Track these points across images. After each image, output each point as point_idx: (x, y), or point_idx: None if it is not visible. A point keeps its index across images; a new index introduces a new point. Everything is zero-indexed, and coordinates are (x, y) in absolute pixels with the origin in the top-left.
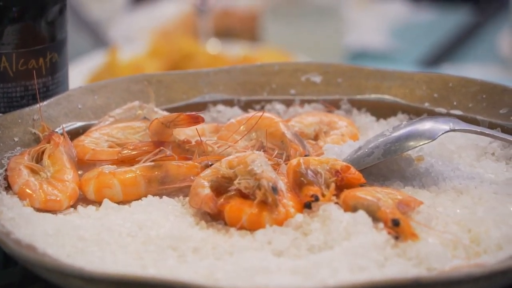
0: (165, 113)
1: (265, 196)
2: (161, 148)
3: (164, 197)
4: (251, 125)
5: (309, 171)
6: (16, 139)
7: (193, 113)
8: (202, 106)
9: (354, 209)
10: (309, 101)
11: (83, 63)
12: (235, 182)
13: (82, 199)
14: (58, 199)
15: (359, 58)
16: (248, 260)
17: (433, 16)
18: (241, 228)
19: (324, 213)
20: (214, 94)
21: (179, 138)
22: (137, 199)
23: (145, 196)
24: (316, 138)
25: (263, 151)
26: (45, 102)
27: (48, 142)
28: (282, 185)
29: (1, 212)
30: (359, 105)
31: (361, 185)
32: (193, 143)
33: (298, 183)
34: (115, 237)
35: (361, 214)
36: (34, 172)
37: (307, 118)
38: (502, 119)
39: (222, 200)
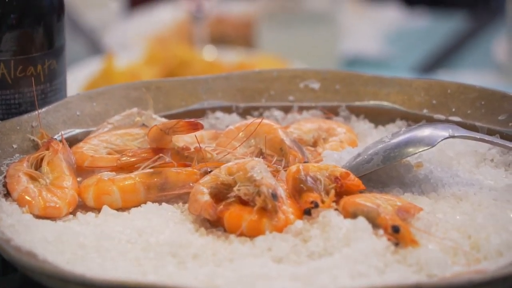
0: (164, 120)
1: (265, 203)
2: (160, 155)
3: (164, 203)
4: (250, 131)
5: (308, 178)
6: (14, 146)
7: (192, 119)
8: (201, 113)
9: (353, 215)
10: (308, 108)
11: (78, 70)
12: (235, 188)
13: (81, 206)
14: (57, 206)
15: (355, 64)
16: (248, 267)
17: (428, 23)
18: (241, 234)
19: (324, 220)
20: (213, 101)
21: (178, 145)
22: (136, 206)
23: (144, 202)
24: (315, 144)
25: (262, 157)
26: (43, 109)
27: (47, 149)
28: (281, 191)
29: (1, 219)
30: (358, 111)
31: (361, 192)
32: (192, 149)
33: (298, 189)
34: (115, 244)
35: (361, 220)
36: (33, 179)
37: (306, 124)
38: (501, 126)
39: (221, 206)
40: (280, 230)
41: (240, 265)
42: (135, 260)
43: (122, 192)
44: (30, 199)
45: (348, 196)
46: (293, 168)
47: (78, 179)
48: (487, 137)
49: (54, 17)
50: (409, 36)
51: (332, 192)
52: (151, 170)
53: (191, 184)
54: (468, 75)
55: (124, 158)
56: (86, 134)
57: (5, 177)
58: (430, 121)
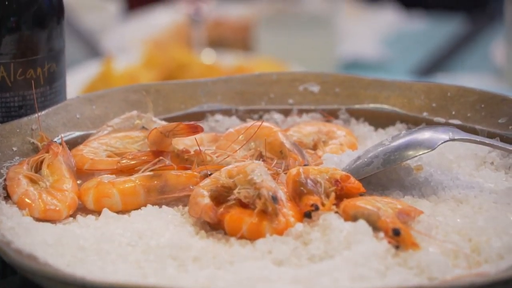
0: (164, 123)
1: (265, 206)
2: (160, 157)
3: (164, 206)
4: (250, 134)
5: (308, 181)
6: (14, 148)
7: (192, 122)
8: (200, 116)
9: (354, 218)
10: (307, 111)
11: (77, 73)
12: (235, 191)
13: (81, 209)
14: (57, 208)
15: (352, 67)
16: (248, 270)
17: (426, 26)
18: (241, 237)
19: (324, 223)
20: (212, 104)
21: (178, 147)
22: (137, 209)
23: (145, 205)
24: (314, 147)
25: (262, 160)
26: (43, 112)
27: (47, 152)
28: (282, 194)
29: (1, 221)
30: (357, 114)
31: (361, 195)
32: (192, 152)
33: (298, 192)
34: (115, 247)
35: (362, 223)
36: (33, 181)
37: (306, 127)
38: (501, 129)
39: (222, 209)
40: (280, 233)
41: (240, 268)
42: (135, 262)
43: (122, 195)
44: (30, 201)
45: (349, 199)
46: (293, 171)
47: (78, 181)
48: (487, 140)
49: (54, 20)
50: (406, 39)
51: (333, 195)
52: (151, 173)
53: (191, 187)
54: (466, 78)
55: (124, 161)
56: (86, 137)
57: (5, 179)
58: (430, 124)
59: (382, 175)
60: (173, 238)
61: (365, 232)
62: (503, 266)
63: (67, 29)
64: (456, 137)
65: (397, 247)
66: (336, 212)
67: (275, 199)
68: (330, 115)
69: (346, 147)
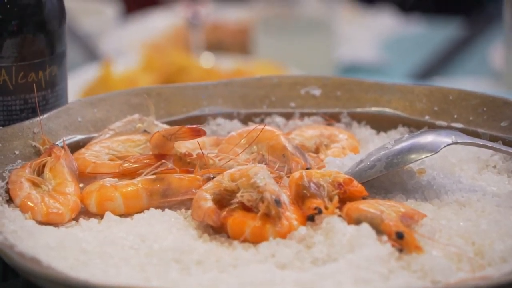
0: (165, 126)
1: (268, 209)
2: (163, 161)
3: (167, 210)
4: (252, 138)
5: (311, 184)
6: (16, 152)
7: (195, 126)
8: (202, 119)
9: (357, 221)
10: (309, 114)
11: (75, 77)
12: (238, 195)
13: (84, 212)
14: (60, 212)
15: (351, 71)
16: (252, 273)
17: (424, 29)
18: (244, 240)
19: (328, 226)
20: (214, 107)
21: (180, 151)
22: (139, 212)
23: (147, 209)
24: (316, 151)
25: (265, 164)
26: (45, 115)
27: (49, 155)
28: (285, 198)
29: (3, 224)
30: (359, 118)
31: (364, 198)
32: (195, 156)
33: (301, 195)
34: (118, 250)
35: (365, 226)
36: (35, 185)
37: (308, 131)
38: (503, 132)
39: (224, 213)
40: (283, 236)
41: (243, 271)
42: (138, 266)
43: (125, 198)
44: (32, 205)
45: (351, 202)
46: (296, 174)
47: (80, 185)
48: (490, 144)
49: (55, 24)
50: (405, 42)
51: (336, 198)
52: (154, 176)
53: (194, 191)
54: (465, 82)
55: (126, 164)
56: (88, 141)
57: (7, 183)
58: (432, 127)
59: (385, 179)
60: (176, 241)
61: (368, 235)
62: (507, 269)
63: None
64: (459, 141)
65: (400, 251)
66: (339, 216)
67: (278, 202)
68: (332, 118)
69: (348, 150)
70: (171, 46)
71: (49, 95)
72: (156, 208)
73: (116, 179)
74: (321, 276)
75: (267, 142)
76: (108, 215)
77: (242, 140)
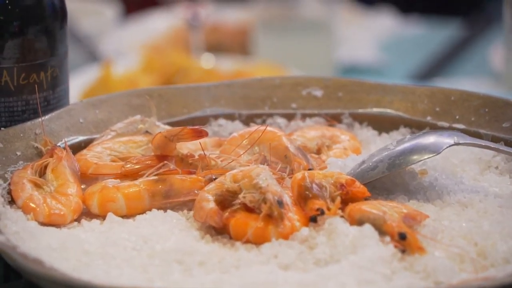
0: (167, 127)
1: (271, 210)
2: (165, 162)
3: (169, 211)
4: (254, 139)
5: (314, 185)
6: (18, 153)
7: (197, 127)
8: (203, 120)
9: (360, 222)
10: (311, 115)
11: (75, 78)
12: (240, 196)
13: (86, 213)
14: (62, 213)
15: (350, 72)
16: (254, 274)
17: (423, 30)
18: (247, 242)
19: (330, 227)
20: (215, 108)
21: (182, 152)
22: (141, 213)
23: (149, 210)
24: (318, 152)
25: (266, 165)
26: (46, 116)
27: (51, 156)
28: (287, 199)
29: (5, 225)
30: (361, 119)
31: (366, 199)
32: (197, 157)
33: (303, 196)
34: (120, 251)
35: (367, 227)
36: (37, 186)
37: (309, 132)
38: (505, 133)
39: (227, 214)
40: (286, 237)
41: (246, 272)
42: (140, 267)
43: (127, 199)
44: (34, 206)
45: (354, 203)
46: (298, 175)
47: (82, 186)
48: (492, 144)
49: (56, 25)
50: (404, 44)
51: (338, 199)
52: (156, 177)
53: (196, 192)
54: (464, 83)
55: (128, 165)
56: (89, 142)
57: (9, 184)
58: (434, 128)
59: (387, 180)
60: (178, 242)
61: (371, 236)
62: (510, 270)
63: None
64: (461, 142)
65: (403, 251)
66: (342, 217)
67: (280, 203)
68: (334, 119)
69: (350, 151)
70: (171, 47)
71: (50, 96)
72: (158, 209)
73: (118, 180)
74: (324, 277)
75: (269, 143)
76: (110, 216)
77: (244, 141)
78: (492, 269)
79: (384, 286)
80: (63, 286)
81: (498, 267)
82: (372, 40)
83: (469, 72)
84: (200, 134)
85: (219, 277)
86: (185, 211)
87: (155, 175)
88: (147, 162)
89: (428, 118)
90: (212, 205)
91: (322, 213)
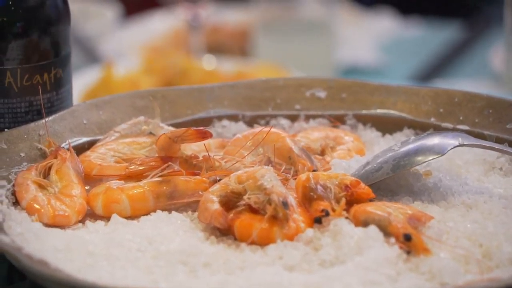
0: (171, 129)
1: (276, 211)
2: (169, 163)
3: (173, 212)
4: (257, 140)
5: (318, 186)
6: (22, 154)
7: (201, 128)
8: (207, 121)
9: (364, 224)
10: (314, 116)
11: (76, 79)
12: (245, 197)
13: (90, 215)
14: (66, 214)
15: (350, 73)
16: (259, 275)
17: (423, 32)
18: (252, 243)
19: (335, 228)
20: (219, 109)
21: (186, 153)
22: (145, 214)
23: (154, 211)
24: (322, 153)
25: (271, 166)
26: (50, 118)
27: (55, 158)
28: (292, 200)
29: (10, 227)
30: (365, 120)
31: (370, 200)
32: (201, 158)
33: (308, 198)
34: (125, 252)
35: (373, 228)
36: (41, 187)
37: (313, 133)
38: (509, 134)
39: (231, 215)
40: (291, 238)
41: (251, 273)
42: (145, 268)
43: (131, 201)
44: (39, 207)
45: (359, 204)
46: (303, 176)
47: (86, 187)
48: (496, 146)
49: (60, 26)
50: (404, 45)
51: (343, 200)
52: (160, 178)
53: (200, 193)
54: (464, 84)
55: (132, 167)
56: (93, 143)
57: (13, 185)
58: (438, 129)
59: (391, 181)
60: (183, 243)
61: (376, 237)
62: None
63: None
64: (465, 143)
65: (408, 253)
66: (347, 218)
67: (285, 204)
68: (337, 120)
69: (354, 152)
70: (171, 48)
71: (54, 97)
72: (162, 210)
73: (122, 182)
74: (329, 278)
75: (273, 144)
76: (114, 217)
77: (248, 142)
78: (497, 270)
79: (389, 287)
80: (68, 287)
81: (504, 268)
82: (372, 42)
83: (469, 74)
84: (205, 135)
85: (224, 278)
86: (190, 212)
87: (160, 176)
88: (151, 163)
89: (432, 119)
90: (216, 206)
91: (327, 214)
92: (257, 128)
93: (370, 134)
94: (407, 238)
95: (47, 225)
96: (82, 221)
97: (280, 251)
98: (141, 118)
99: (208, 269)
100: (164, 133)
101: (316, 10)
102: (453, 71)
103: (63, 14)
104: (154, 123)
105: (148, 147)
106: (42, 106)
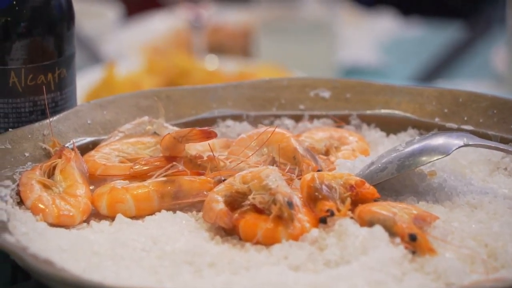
0: (175, 128)
1: (281, 211)
2: (174, 163)
3: (178, 212)
4: (262, 140)
5: (323, 186)
6: (27, 154)
7: (206, 128)
8: (211, 122)
9: (370, 224)
10: (318, 116)
11: (77, 79)
12: (250, 197)
13: (95, 214)
14: (71, 214)
15: (351, 74)
16: (265, 275)
17: (424, 32)
18: (257, 243)
19: (340, 228)
20: (223, 110)
21: (190, 153)
22: (150, 214)
23: (158, 211)
24: (327, 153)
25: (275, 166)
26: (54, 118)
27: (59, 157)
28: (297, 200)
29: (15, 227)
30: (369, 120)
31: (375, 200)
32: (205, 158)
33: (313, 198)
34: (130, 252)
35: (378, 228)
36: (46, 187)
37: (318, 133)
38: None
39: (236, 215)
40: (296, 238)
41: (256, 273)
42: (150, 268)
43: (136, 200)
44: (43, 207)
45: (364, 204)
46: (307, 176)
47: (91, 187)
48: (501, 146)
49: (64, 26)
50: (405, 45)
51: (348, 200)
52: (165, 178)
53: (205, 193)
54: (466, 85)
55: (137, 167)
56: (97, 143)
57: (18, 185)
58: (442, 129)
59: (396, 181)
60: (188, 243)
61: (381, 237)
62: None
63: None
64: (470, 143)
65: (413, 253)
66: (352, 218)
67: (290, 204)
68: (342, 120)
69: (358, 152)
70: (173, 48)
71: (58, 97)
72: (167, 210)
73: (126, 181)
74: (334, 278)
75: (278, 144)
76: (119, 217)
77: (253, 142)
78: (503, 270)
79: (395, 287)
80: (74, 287)
81: (509, 268)
82: (373, 42)
83: (470, 74)
84: (209, 135)
85: (229, 278)
86: (194, 212)
87: (164, 176)
88: (156, 163)
89: (436, 119)
90: (221, 206)
91: (332, 214)
92: (262, 128)
93: (375, 134)
94: (413, 238)
95: (52, 225)
96: (87, 221)
97: (285, 251)
98: (145, 118)
99: (213, 269)
100: (169, 133)
101: (317, 11)
102: (454, 72)
103: (68, 14)
104: (158, 123)
105: (152, 147)
106: (46, 106)
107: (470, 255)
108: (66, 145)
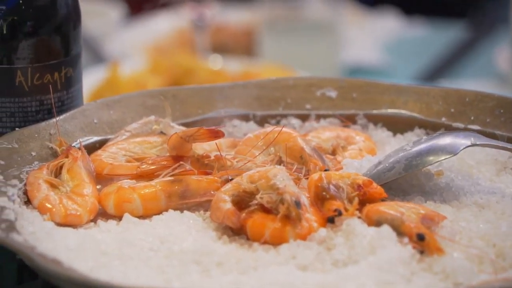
0: (182, 128)
1: (289, 211)
2: (181, 162)
3: (185, 211)
4: (269, 140)
5: (331, 186)
6: (33, 153)
7: (213, 127)
8: (218, 121)
9: (377, 223)
10: (325, 116)
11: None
12: (257, 196)
13: (102, 214)
14: (78, 213)
15: (355, 74)
16: (272, 275)
17: (427, 32)
18: (264, 242)
19: (348, 228)
20: (229, 109)
21: (197, 152)
22: (157, 214)
23: (165, 210)
24: (333, 153)
25: (282, 165)
26: (61, 117)
27: (66, 157)
28: (305, 199)
29: (22, 226)
30: (375, 120)
31: (383, 200)
32: (212, 157)
33: (320, 197)
34: (137, 252)
35: (386, 228)
36: (53, 186)
37: (324, 133)
38: None
39: (244, 214)
40: (303, 238)
41: (264, 272)
42: (158, 267)
43: (143, 200)
44: (51, 206)
45: (371, 204)
46: (315, 176)
47: (98, 187)
48: (508, 145)
49: (70, 25)
50: (408, 45)
51: (356, 200)
52: (172, 178)
53: (212, 192)
54: (469, 85)
55: (144, 166)
56: (104, 142)
57: (25, 184)
58: (449, 129)
59: (403, 181)
60: (195, 243)
61: (389, 237)
62: None
63: None
64: (477, 142)
65: (421, 252)
66: (359, 218)
67: (298, 204)
68: (348, 120)
69: (365, 152)
70: (176, 48)
71: (64, 96)
72: (174, 209)
73: (133, 181)
74: (342, 278)
75: (285, 143)
76: (126, 216)
77: (260, 142)
78: (511, 270)
79: (403, 287)
80: (82, 286)
81: None
82: (376, 42)
83: (474, 74)
84: (217, 135)
85: (237, 278)
86: (202, 211)
87: (171, 175)
88: (163, 163)
89: (443, 119)
90: (229, 205)
91: (340, 214)
92: (269, 128)
93: (381, 133)
94: (421, 238)
95: (59, 224)
96: (94, 220)
97: (293, 250)
98: (152, 117)
99: (220, 268)
100: (176, 133)
101: (321, 10)
102: (458, 71)
103: (74, 13)
104: (165, 122)
105: (159, 146)
106: (53, 105)
107: (478, 255)
108: (72, 145)
